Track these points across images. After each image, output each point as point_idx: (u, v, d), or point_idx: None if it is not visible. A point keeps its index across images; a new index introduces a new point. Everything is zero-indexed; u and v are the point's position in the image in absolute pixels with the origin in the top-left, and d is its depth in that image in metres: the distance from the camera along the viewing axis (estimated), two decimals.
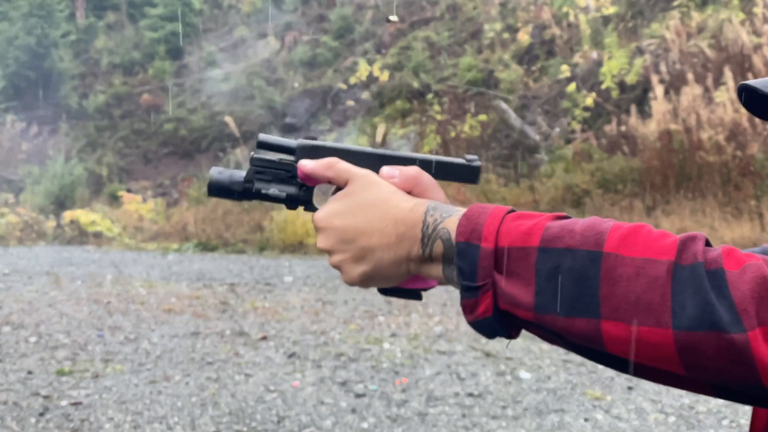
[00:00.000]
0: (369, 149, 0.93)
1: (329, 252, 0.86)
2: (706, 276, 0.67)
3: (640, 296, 0.68)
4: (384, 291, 0.91)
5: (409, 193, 0.88)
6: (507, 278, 0.74)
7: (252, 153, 0.95)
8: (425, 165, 0.92)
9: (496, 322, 0.76)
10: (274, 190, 0.93)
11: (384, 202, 0.84)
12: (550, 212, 0.77)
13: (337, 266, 0.86)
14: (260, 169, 0.94)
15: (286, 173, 0.94)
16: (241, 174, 0.94)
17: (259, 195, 0.94)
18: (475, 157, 0.93)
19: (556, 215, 0.77)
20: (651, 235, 0.71)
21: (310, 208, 0.95)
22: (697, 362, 0.67)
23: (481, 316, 0.76)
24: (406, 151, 0.95)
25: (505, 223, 0.76)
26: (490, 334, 0.78)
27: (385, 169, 0.89)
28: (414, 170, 0.89)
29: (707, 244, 0.71)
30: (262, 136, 0.95)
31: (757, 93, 0.89)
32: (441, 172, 0.93)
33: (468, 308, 0.76)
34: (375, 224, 0.83)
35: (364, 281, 0.86)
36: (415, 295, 0.92)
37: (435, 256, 0.80)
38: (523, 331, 0.79)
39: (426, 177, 0.90)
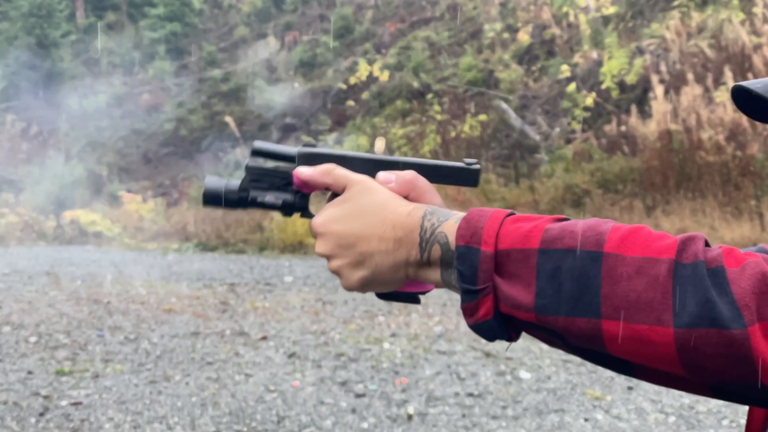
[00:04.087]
0: (367, 155, 0.92)
1: (328, 257, 0.86)
2: (707, 274, 0.66)
3: (641, 295, 0.68)
4: (382, 296, 0.91)
5: (406, 197, 0.88)
6: (507, 281, 0.74)
7: (247, 161, 0.94)
8: (424, 169, 0.91)
9: (496, 324, 0.76)
10: (270, 197, 0.93)
11: (382, 207, 0.84)
12: (550, 212, 0.77)
13: (336, 272, 0.86)
14: (256, 177, 0.93)
15: (282, 180, 0.93)
16: (236, 182, 0.93)
17: (254, 203, 0.93)
18: (474, 160, 0.93)
19: (556, 217, 0.77)
20: (651, 236, 0.71)
21: (307, 214, 0.94)
22: (696, 361, 0.67)
23: (482, 319, 0.76)
24: (403, 156, 0.95)
25: (505, 226, 0.76)
26: (491, 336, 0.78)
27: (382, 174, 0.89)
28: (410, 174, 0.89)
29: (706, 244, 0.71)
30: (258, 144, 0.94)
31: (751, 94, 0.88)
32: (440, 176, 0.92)
33: (468, 311, 0.77)
34: (373, 229, 0.84)
35: (363, 286, 0.86)
36: (413, 298, 0.92)
37: (433, 261, 0.81)
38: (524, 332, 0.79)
39: (422, 181, 0.90)
